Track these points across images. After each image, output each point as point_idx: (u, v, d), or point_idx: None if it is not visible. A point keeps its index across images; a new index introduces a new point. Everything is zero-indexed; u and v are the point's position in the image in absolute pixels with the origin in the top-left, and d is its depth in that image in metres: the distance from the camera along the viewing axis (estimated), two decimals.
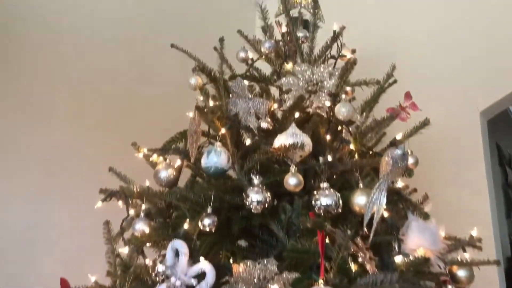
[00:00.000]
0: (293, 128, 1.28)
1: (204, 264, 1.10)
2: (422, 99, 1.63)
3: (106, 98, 2.18)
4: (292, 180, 1.18)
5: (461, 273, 1.28)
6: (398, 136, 1.43)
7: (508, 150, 3.94)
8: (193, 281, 1.08)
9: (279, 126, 1.41)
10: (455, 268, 1.28)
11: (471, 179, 2.32)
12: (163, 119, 2.16)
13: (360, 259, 1.07)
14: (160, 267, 1.17)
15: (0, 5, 1.90)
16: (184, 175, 1.44)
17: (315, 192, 1.21)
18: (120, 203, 1.39)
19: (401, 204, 1.32)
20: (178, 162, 1.37)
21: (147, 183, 1.38)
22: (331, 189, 1.20)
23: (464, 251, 1.33)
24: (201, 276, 1.10)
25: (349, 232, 1.08)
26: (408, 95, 1.57)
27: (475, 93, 2.34)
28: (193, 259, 1.13)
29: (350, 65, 1.40)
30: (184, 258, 1.12)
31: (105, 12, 2.29)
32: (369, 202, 1.15)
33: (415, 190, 1.64)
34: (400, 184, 1.45)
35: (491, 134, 3.20)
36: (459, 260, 1.27)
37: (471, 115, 2.35)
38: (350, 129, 1.39)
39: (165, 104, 2.35)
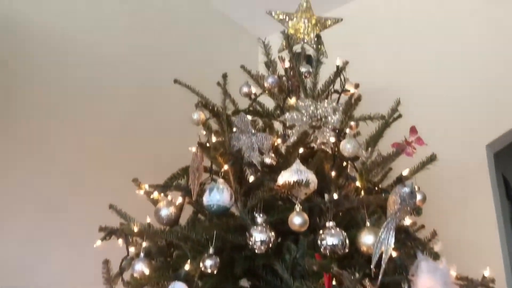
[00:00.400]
0: (297, 165, 1.26)
1: None
2: (427, 133, 1.62)
3: (107, 132, 2.17)
4: (297, 220, 1.15)
5: None
6: (405, 172, 1.40)
7: None
8: None
9: (283, 162, 1.39)
10: None
11: (479, 214, 2.27)
12: (165, 154, 2.14)
13: None
14: None
15: (1, 40, 1.91)
16: (186, 212, 1.41)
17: (320, 231, 1.17)
18: (120, 241, 1.35)
19: (410, 243, 1.27)
20: (179, 199, 1.34)
21: (148, 220, 1.35)
22: (337, 228, 1.16)
23: None
24: None
25: (357, 274, 1.03)
26: (413, 130, 1.55)
27: (481, 126, 2.32)
28: None
29: (355, 101, 1.39)
30: None
31: (108, 46, 2.31)
32: (377, 241, 1.11)
33: (423, 226, 1.60)
34: (408, 221, 1.41)
35: (497, 166, 3.16)
36: None
37: (478, 148, 2.32)
38: (356, 165, 1.37)
39: (168, 139, 2.34)
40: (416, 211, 1.29)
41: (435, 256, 1.23)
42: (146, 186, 1.43)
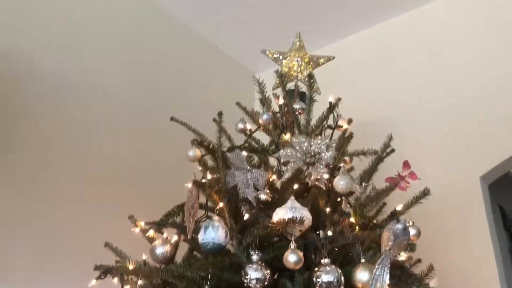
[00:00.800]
0: (292, 202, 1.27)
1: None
2: (420, 167, 1.64)
3: (103, 170, 2.18)
4: (292, 257, 1.15)
5: None
6: (399, 207, 1.41)
7: (510, 212, 3.89)
8: None
9: (278, 198, 1.40)
10: None
11: (476, 245, 2.26)
12: (161, 191, 2.14)
13: None
14: None
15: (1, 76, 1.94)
16: (181, 250, 1.41)
17: (316, 269, 1.18)
18: (115, 280, 1.34)
19: (406, 278, 1.27)
20: (175, 237, 1.34)
21: (144, 258, 1.34)
22: (332, 265, 1.17)
23: None
24: None
25: None
26: (406, 164, 1.57)
27: (474, 158, 2.35)
28: None
29: (347, 138, 1.42)
30: None
31: (103, 83, 2.35)
32: (372, 279, 1.11)
33: (419, 260, 1.60)
34: (403, 256, 1.41)
35: (494, 198, 3.16)
36: None
37: (471, 180, 2.34)
38: (350, 200, 1.38)
39: (164, 176, 2.34)
40: (410, 247, 1.30)
41: None
42: (142, 224, 1.44)
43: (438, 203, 2.17)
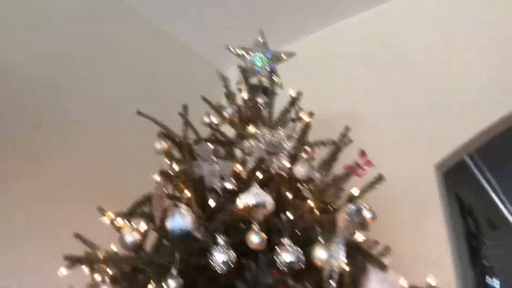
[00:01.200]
0: (256, 189, 1.34)
1: None
2: (377, 156, 1.75)
3: (71, 162, 2.20)
4: (255, 239, 1.23)
5: None
6: (355, 192, 1.51)
7: (468, 199, 4.13)
8: None
9: (243, 187, 1.47)
10: None
11: (430, 231, 2.40)
12: (129, 183, 2.17)
13: None
14: None
15: None
16: (150, 239, 1.46)
17: (278, 249, 1.25)
18: (85, 269, 1.38)
19: (361, 256, 1.37)
20: (143, 226, 1.39)
21: (113, 247, 1.39)
22: (294, 246, 1.25)
23: None
24: None
25: (308, 285, 1.12)
26: (363, 153, 1.68)
27: (429, 146, 2.49)
28: None
29: (306, 127, 1.51)
30: None
31: (71, 80, 2.36)
32: (329, 256, 1.21)
33: (376, 242, 1.71)
34: (360, 237, 1.52)
35: (451, 185, 3.35)
36: None
37: (426, 168, 2.48)
38: (310, 187, 1.47)
39: (131, 169, 2.37)
40: (364, 227, 1.40)
41: (383, 268, 1.33)
42: (111, 214, 1.48)
43: (394, 191, 2.30)
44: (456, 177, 3.71)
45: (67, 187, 2.13)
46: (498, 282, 4.46)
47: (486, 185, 4.99)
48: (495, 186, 5.29)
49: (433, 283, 1.40)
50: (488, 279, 4.11)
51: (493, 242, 5.27)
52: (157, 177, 1.47)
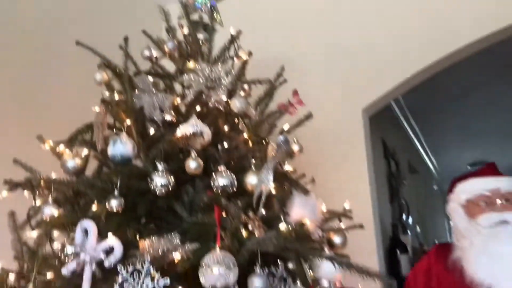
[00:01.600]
0: (194, 119, 1.44)
1: (112, 240, 1.21)
2: (309, 96, 1.89)
3: (10, 91, 2.14)
4: (192, 164, 1.34)
5: (336, 239, 1.54)
6: (285, 127, 1.66)
7: (392, 143, 4.50)
8: (102, 255, 1.19)
9: (182, 120, 1.55)
10: (331, 234, 1.53)
11: (353, 169, 2.65)
12: (68, 114, 2.17)
13: (250, 227, 1.25)
14: (69, 249, 1.26)
15: None
16: (92, 165, 1.53)
17: (213, 175, 1.38)
18: (27, 193, 1.43)
19: (288, 183, 1.54)
20: (84, 151, 1.44)
21: (53, 176, 1.43)
22: (228, 171, 1.38)
23: (340, 221, 1.59)
24: (109, 252, 1.21)
25: (240, 203, 1.26)
26: (295, 93, 1.81)
27: (358, 91, 2.69)
28: (101, 238, 1.24)
29: (244, 65, 1.60)
30: (92, 236, 1.21)
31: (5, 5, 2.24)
32: (259, 180, 1.35)
33: (303, 175, 1.89)
34: (289, 168, 1.68)
35: (377, 129, 3.64)
36: (334, 227, 1.53)
37: (354, 111, 2.69)
38: (245, 121, 1.59)
39: (71, 99, 2.36)
40: (291, 156, 1.55)
41: (306, 192, 1.51)
42: (50, 142, 1.50)
43: (323, 130, 2.51)
44: (382, 123, 4.03)
45: (5, 115, 2.09)
46: (411, 219, 5.01)
47: (409, 132, 5.44)
48: (418, 133, 5.77)
49: (348, 207, 1.62)
50: (404, 216, 4.61)
51: (412, 184, 5.84)
52: (97, 108, 1.51)
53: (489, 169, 2.02)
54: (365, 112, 2.78)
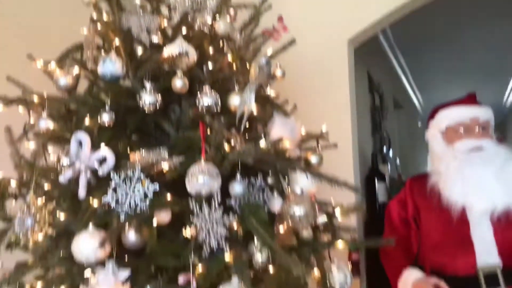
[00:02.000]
0: (180, 41, 1.49)
1: (104, 150, 1.31)
2: (294, 23, 1.93)
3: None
4: (178, 82, 1.42)
5: (313, 158, 1.67)
6: (269, 52, 1.72)
7: (378, 77, 4.57)
8: (96, 164, 1.30)
9: (169, 42, 1.60)
10: (308, 154, 1.66)
11: (336, 100, 2.74)
12: (58, 35, 2.18)
13: (232, 143, 1.36)
14: (65, 160, 1.36)
15: None
16: (82, 84, 1.59)
17: (198, 94, 1.46)
18: (21, 109, 1.51)
19: (269, 106, 1.64)
20: (75, 70, 1.51)
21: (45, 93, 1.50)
22: (212, 91, 1.46)
23: (317, 142, 1.71)
24: (102, 162, 1.32)
25: (223, 121, 1.36)
26: (280, 19, 1.85)
27: (344, 21, 2.71)
28: (94, 150, 1.34)
29: None
30: (86, 146, 1.32)
31: None
32: (241, 101, 1.45)
33: (286, 101, 1.98)
34: (272, 93, 1.77)
35: (363, 62, 3.68)
36: (311, 148, 1.66)
37: (339, 41, 2.74)
38: (229, 43, 1.65)
39: (60, 21, 2.36)
40: (272, 79, 1.63)
41: (286, 114, 1.61)
42: (42, 61, 1.55)
43: (307, 58, 2.56)
44: (369, 55, 4.06)
45: None
46: (392, 152, 5.21)
47: (396, 66, 5.49)
48: (405, 68, 5.83)
49: (325, 130, 1.73)
50: (385, 149, 4.79)
51: (395, 119, 5.99)
52: (86, 29, 1.55)
53: (470, 99, 2.13)
54: (350, 42, 2.82)
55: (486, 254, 1.83)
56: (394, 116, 5.75)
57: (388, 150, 4.96)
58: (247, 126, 1.53)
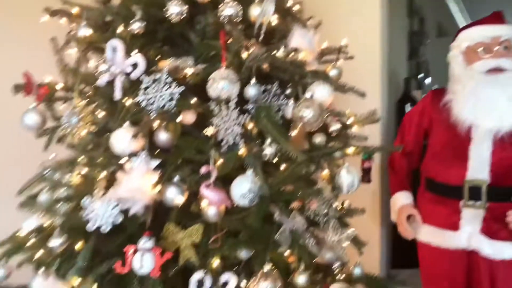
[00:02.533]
0: None
1: (136, 56, 1.47)
2: None
3: None
4: None
5: (332, 72, 1.75)
6: None
7: (421, 0, 4.38)
8: (129, 69, 1.46)
9: None
10: (328, 67, 1.74)
11: (365, 24, 2.67)
12: None
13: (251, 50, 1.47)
14: (102, 66, 1.53)
15: None
16: None
17: (221, 5, 1.55)
18: (64, 20, 1.67)
19: (290, 18, 1.71)
20: None
21: None
22: (234, 2, 1.54)
23: (338, 53, 1.76)
24: (134, 67, 1.48)
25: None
26: None
27: None
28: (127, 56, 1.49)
29: None
30: (120, 53, 1.47)
31: None
32: (261, 12, 1.53)
33: (311, 17, 2.02)
34: (295, 7, 1.82)
35: None
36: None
37: None
38: None
39: None
40: None
41: (305, 26, 1.68)
42: None
43: None
44: None
45: None
46: (430, 79, 5.10)
47: None
48: None
49: (344, 43, 1.78)
50: (421, 76, 4.71)
51: (439, 47, 5.77)
52: None
53: (495, 18, 2.08)
54: None
55: (478, 170, 1.91)
56: (438, 44, 5.53)
57: (425, 77, 4.87)
58: (267, 37, 1.61)
